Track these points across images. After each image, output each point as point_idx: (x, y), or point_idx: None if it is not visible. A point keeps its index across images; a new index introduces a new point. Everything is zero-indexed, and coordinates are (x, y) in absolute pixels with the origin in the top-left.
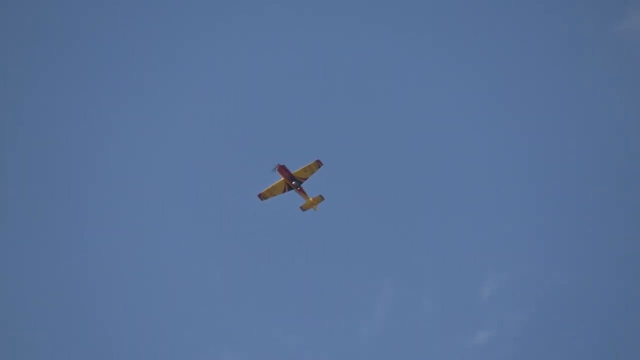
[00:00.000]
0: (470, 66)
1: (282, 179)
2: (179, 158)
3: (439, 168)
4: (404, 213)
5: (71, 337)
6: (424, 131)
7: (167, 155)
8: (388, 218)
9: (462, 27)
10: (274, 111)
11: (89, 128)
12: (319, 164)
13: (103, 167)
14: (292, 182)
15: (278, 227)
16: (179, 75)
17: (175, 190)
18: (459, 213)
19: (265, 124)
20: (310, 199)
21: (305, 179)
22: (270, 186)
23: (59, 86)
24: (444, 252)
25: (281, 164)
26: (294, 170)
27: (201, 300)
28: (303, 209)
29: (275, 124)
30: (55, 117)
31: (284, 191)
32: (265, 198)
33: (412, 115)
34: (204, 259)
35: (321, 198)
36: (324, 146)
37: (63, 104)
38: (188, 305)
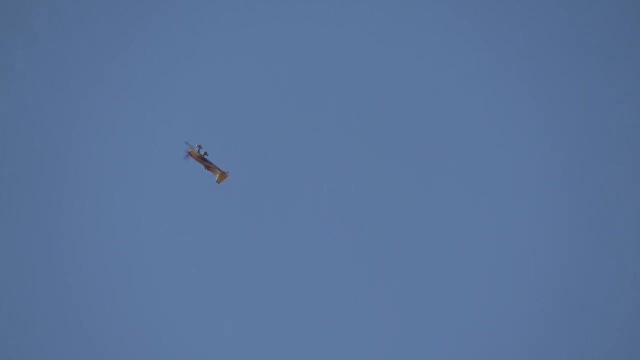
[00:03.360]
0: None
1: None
2: (178, 158)
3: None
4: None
5: (67, 337)
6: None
7: (166, 155)
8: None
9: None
10: (271, 111)
11: (86, 127)
12: (224, 175)
13: (100, 167)
14: (202, 163)
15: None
16: (177, 73)
17: (174, 190)
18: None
19: (263, 124)
20: (219, 173)
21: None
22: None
23: (57, 86)
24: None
25: (189, 150)
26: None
27: (198, 304)
28: (217, 182)
29: (272, 124)
30: (52, 116)
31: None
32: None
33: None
34: (202, 261)
35: (226, 175)
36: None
37: (62, 104)
38: (187, 310)
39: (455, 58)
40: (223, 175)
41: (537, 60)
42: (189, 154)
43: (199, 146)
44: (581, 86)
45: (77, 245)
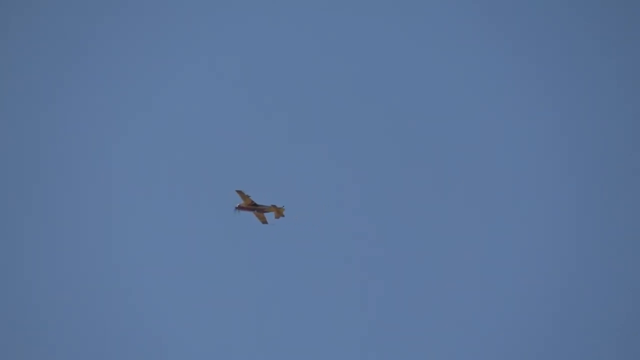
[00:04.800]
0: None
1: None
2: (180, 158)
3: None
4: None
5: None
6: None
7: (167, 155)
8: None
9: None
10: (274, 109)
11: (86, 128)
12: (280, 211)
13: (101, 168)
14: (254, 210)
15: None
16: (179, 73)
17: (173, 190)
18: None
19: (264, 123)
20: (275, 210)
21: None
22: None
23: (58, 87)
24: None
25: (237, 206)
26: (258, 201)
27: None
28: (276, 218)
29: (274, 122)
30: (53, 117)
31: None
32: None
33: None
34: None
35: (281, 210)
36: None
37: (62, 105)
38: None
39: (457, 60)
40: (279, 211)
41: (541, 63)
42: (239, 207)
43: (247, 195)
44: (582, 87)
45: (75, 245)
